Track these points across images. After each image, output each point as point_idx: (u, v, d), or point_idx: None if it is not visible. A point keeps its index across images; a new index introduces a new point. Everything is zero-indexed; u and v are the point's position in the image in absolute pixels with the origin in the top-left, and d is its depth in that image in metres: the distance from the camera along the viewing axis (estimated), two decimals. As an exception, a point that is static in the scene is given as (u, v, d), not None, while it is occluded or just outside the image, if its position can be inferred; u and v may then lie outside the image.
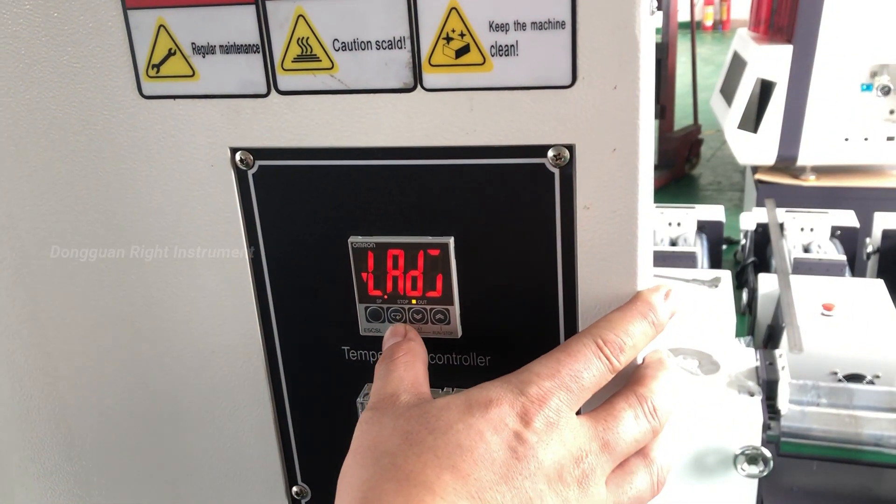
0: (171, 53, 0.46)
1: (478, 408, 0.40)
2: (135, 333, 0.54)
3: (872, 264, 2.35)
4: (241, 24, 0.45)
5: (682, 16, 4.93)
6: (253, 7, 0.44)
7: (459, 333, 0.48)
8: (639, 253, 0.45)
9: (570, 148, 0.43)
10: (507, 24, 0.41)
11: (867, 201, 2.74)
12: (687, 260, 2.30)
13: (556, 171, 0.44)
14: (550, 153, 0.43)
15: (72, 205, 0.52)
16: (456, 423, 0.39)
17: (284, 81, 0.45)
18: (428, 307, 0.47)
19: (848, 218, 2.41)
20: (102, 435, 0.58)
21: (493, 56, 0.42)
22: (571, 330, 0.47)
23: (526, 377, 0.41)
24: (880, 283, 1.94)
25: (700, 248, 2.41)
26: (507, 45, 0.42)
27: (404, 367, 0.44)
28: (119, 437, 0.58)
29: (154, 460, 0.58)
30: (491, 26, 0.41)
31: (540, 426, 0.39)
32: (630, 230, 0.44)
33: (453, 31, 0.42)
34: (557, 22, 0.40)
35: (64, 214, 0.52)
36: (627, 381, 0.45)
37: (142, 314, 0.54)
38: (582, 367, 0.42)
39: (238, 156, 0.48)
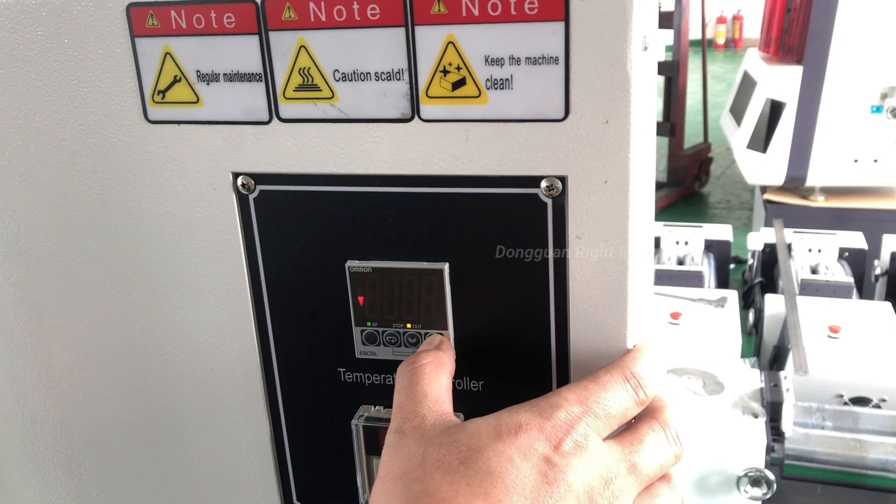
0: (176, 80, 0.48)
1: (507, 433, 0.40)
2: (136, 350, 0.55)
3: (881, 287, 2.34)
4: (244, 54, 0.46)
5: (694, 34, 4.94)
6: (256, 37, 0.45)
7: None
8: (629, 281, 0.45)
9: (563, 179, 0.44)
10: (502, 58, 0.42)
11: (876, 223, 2.73)
12: (694, 279, 2.30)
13: (549, 202, 0.45)
14: (543, 184, 0.44)
15: (77, 224, 0.53)
16: (486, 449, 0.40)
17: (286, 109, 0.46)
18: (422, 331, 0.48)
19: (856, 239, 2.40)
20: (103, 449, 0.59)
21: (488, 89, 0.43)
22: (563, 355, 0.48)
23: (555, 401, 0.42)
24: (888, 305, 1.93)
25: (707, 268, 2.41)
26: (502, 79, 0.43)
27: (427, 379, 0.44)
28: (119, 451, 0.59)
29: (153, 476, 0.59)
30: (486, 60, 0.42)
31: (568, 449, 0.40)
32: (621, 260, 0.45)
33: (450, 64, 0.43)
34: (551, 57, 0.41)
35: (70, 233, 0.53)
36: (644, 409, 0.45)
37: (143, 331, 0.55)
38: (610, 397, 0.43)
39: (240, 180, 0.49)
